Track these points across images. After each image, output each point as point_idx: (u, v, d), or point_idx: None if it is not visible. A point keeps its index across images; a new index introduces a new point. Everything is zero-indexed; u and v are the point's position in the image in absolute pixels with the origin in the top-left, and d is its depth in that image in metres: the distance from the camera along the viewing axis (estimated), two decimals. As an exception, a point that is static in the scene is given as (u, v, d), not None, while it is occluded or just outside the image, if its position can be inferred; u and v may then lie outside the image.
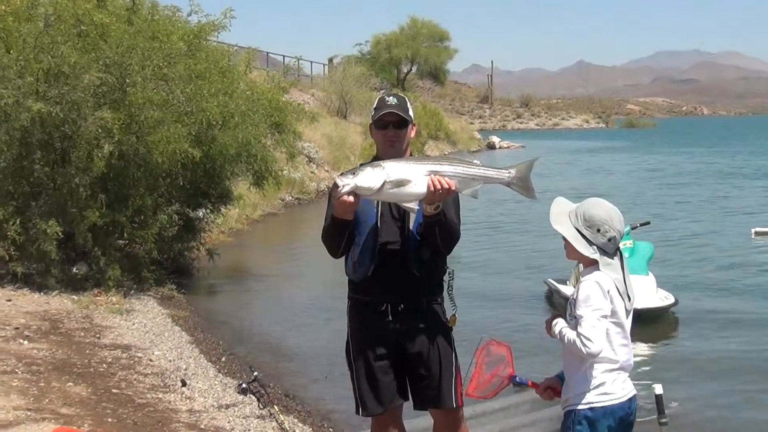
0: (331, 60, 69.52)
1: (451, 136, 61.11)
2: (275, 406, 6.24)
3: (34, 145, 11.73)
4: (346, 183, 4.40)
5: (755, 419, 8.42)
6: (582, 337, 4.13)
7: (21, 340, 9.17)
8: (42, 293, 11.62)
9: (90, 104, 11.62)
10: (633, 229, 12.58)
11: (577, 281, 4.35)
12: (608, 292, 4.20)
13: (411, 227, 4.79)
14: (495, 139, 73.83)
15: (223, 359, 10.00)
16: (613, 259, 4.30)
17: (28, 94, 11.37)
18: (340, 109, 45.60)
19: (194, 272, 15.06)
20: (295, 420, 7.80)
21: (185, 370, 9.03)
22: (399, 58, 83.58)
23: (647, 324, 10.68)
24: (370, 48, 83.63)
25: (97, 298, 11.73)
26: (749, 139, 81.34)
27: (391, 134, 4.84)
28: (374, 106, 4.95)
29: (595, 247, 4.26)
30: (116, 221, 12.25)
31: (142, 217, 12.65)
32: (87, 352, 9.15)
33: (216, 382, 8.72)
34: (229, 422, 7.44)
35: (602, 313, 4.17)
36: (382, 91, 32.66)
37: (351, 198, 4.45)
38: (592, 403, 4.25)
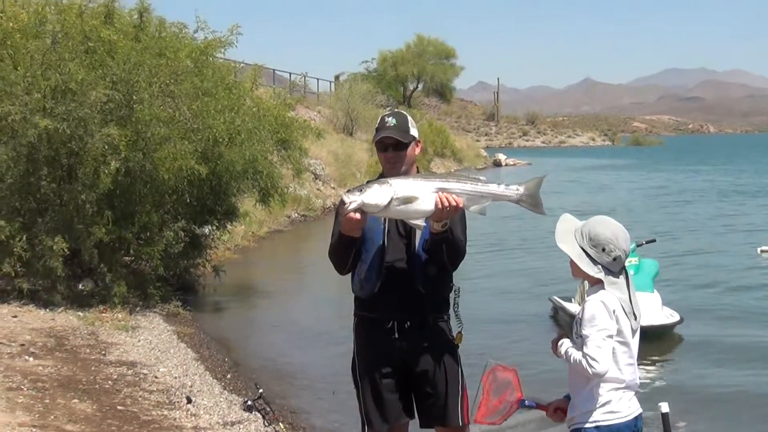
0: (337, 77, 69.68)
1: (457, 153, 61.13)
2: (280, 423, 6.22)
3: (41, 162, 11.75)
4: (353, 200, 4.39)
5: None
6: (588, 357, 4.12)
7: (26, 357, 9.16)
8: (48, 310, 11.61)
9: (97, 121, 11.65)
10: (639, 246, 12.57)
11: (583, 299, 4.34)
12: (614, 311, 4.19)
13: (417, 244, 4.79)
14: (501, 157, 73.80)
15: (229, 376, 9.99)
16: (618, 278, 4.28)
17: (35, 111, 11.39)
18: (347, 126, 45.64)
19: (200, 289, 15.05)
20: (300, 437, 7.79)
21: (190, 387, 9.01)
22: (405, 76, 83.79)
23: (653, 342, 10.64)
24: (376, 65, 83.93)
25: (103, 314, 11.72)
26: (755, 157, 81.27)
27: (391, 156, 4.83)
28: (376, 126, 4.95)
29: (599, 266, 4.24)
30: (122, 238, 12.26)
31: (148, 234, 12.63)
32: (92, 368, 9.13)
33: (221, 399, 8.70)
34: (234, 439, 7.43)
35: (608, 333, 4.15)
36: (388, 108, 32.68)
37: (358, 215, 4.44)
38: (599, 421, 4.23)
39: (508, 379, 4.90)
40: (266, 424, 6.09)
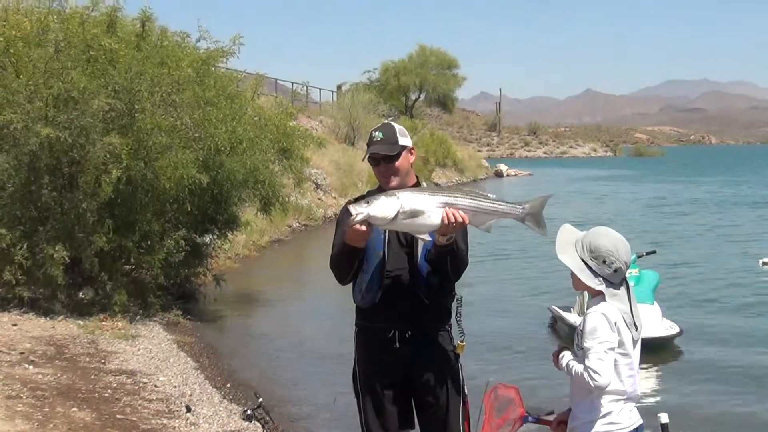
0: (339, 87, 69.73)
1: (459, 163, 61.15)
2: (280, 433, 6.21)
3: (42, 170, 11.75)
4: (360, 212, 4.37)
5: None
6: (590, 370, 4.12)
7: (26, 365, 9.15)
8: (48, 318, 11.61)
9: (98, 129, 11.66)
10: (639, 257, 12.58)
11: (582, 309, 4.35)
12: (615, 323, 4.18)
13: (419, 254, 4.78)
14: (503, 167, 73.85)
15: (228, 385, 9.98)
16: (619, 289, 4.28)
17: (37, 119, 11.40)
18: (348, 136, 45.66)
19: (200, 298, 15.04)
20: (300, 447, 7.78)
21: (190, 396, 9.01)
22: (407, 86, 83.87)
23: (652, 353, 10.64)
24: (378, 75, 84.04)
25: (103, 323, 11.71)
26: (757, 169, 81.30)
27: (383, 169, 4.83)
28: (367, 141, 4.95)
29: (600, 278, 4.24)
30: (123, 246, 12.26)
31: (149, 243, 12.63)
32: (92, 377, 9.13)
33: (221, 409, 8.70)
34: (233, 449, 7.43)
35: (609, 345, 4.15)
36: (390, 118, 32.68)
37: (364, 227, 4.44)
38: (600, 432, 4.24)
39: (510, 397, 4.90)
40: (265, 433, 6.07)
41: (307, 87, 49.29)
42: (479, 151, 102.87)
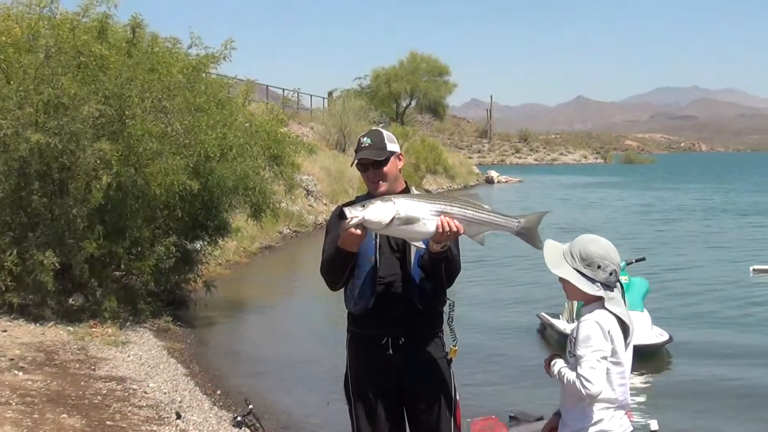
0: (330, 93, 69.76)
1: (450, 170, 61.22)
2: (270, 440, 6.21)
3: (33, 176, 11.72)
4: (355, 215, 4.34)
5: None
6: (582, 378, 4.11)
7: (16, 371, 9.12)
8: (38, 324, 11.57)
9: (89, 135, 11.64)
10: (629, 264, 12.60)
11: (571, 315, 4.36)
12: (609, 332, 4.18)
13: (412, 260, 4.77)
14: (493, 174, 73.96)
15: (219, 392, 9.97)
16: (614, 292, 4.29)
17: (27, 125, 11.37)
18: (339, 143, 45.71)
19: (191, 304, 15.02)
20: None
21: (180, 402, 8.99)
22: (398, 92, 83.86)
23: (642, 360, 10.66)
24: (369, 82, 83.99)
25: (93, 329, 11.69)
26: (746, 176, 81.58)
27: (371, 175, 4.82)
28: (355, 148, 4.96)
29: (598, 284, 4.25)
30: (113, 252, 12.24)
31: (140, 249, 12.62)
32: (82, 383, 9.10)
33: (211, 415, 8.68)
34: (223, 455, 7.42)
35: (602, 354, 4.14)
36: (381, 125, 32.69)
37: (359, 231, 4.42)
38: (590, 439, 4.24)
39: (490, 426, 4.91)
40: (255, 440, 6.08)
41: (298, 93, 49.20)
42: (470, 157, 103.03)
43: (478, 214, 4.54)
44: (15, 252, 11.54)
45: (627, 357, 4.29)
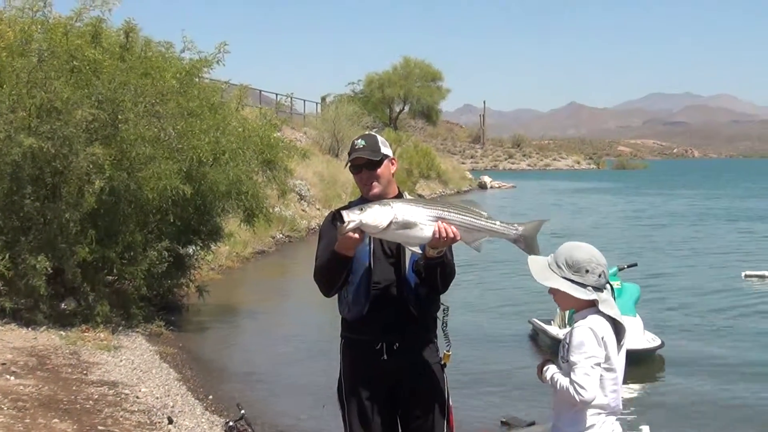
0: (323, 98, 69.76)
1: (443, 175, 61.28)
2: (262, 445, 6.21)
3: (25, 180, 11.71)
4: (353, 219, 4.33)
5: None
6: (575, 384, 4.12)
7: (7, 376, 9.11)
8: (30, 329, 11.55)
9: (82, 140, 11.63)
10: (620, 270, 12.62)
11: (563, 321, 4.36)
12: (602, 338, 4.18)
13: (407, 265, 4.76)
14: (486, 179, 74.07)
15: (211, 397, 9.96)
16: (604, 292, 4.30)
17: (20, 129, 11.36)
18: (332, 148, 45.68)
19: (183, 309, 15.01)
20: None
21: (172, 407, 8.98)
22: (392, 98, 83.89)
23: (633, 365, 10.65)
24: (362, 87, 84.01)
25: (85, 334, 11.68)
26: (738, 182, 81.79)
27: (365, 177, 4.82)
28: (348, 151, 4.96)
29: (589, 287, 4.26)
30: (106, 257, 12.22)
31: (132, 254, 12.59)
32: (74, 388, 9.09)
33: (203, 420, 8.67)
34: (215, 461, 7.41)
35: (596, 360, 4.15)
36: (374, 130, 32.70)
37: (357, 234, 4.41)
38: (582, 445, 4.25)
39: None
40: (247, 445, 6.07)
41: (291, 98, 49.25)
42: (463, 163, 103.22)
43: (475, 220, 4.52)
44: (7, 256, 11.53)
45: (620, 362, 4.29)
